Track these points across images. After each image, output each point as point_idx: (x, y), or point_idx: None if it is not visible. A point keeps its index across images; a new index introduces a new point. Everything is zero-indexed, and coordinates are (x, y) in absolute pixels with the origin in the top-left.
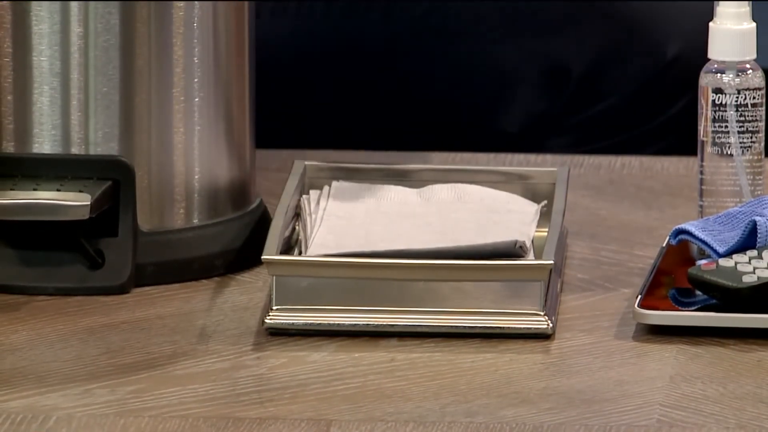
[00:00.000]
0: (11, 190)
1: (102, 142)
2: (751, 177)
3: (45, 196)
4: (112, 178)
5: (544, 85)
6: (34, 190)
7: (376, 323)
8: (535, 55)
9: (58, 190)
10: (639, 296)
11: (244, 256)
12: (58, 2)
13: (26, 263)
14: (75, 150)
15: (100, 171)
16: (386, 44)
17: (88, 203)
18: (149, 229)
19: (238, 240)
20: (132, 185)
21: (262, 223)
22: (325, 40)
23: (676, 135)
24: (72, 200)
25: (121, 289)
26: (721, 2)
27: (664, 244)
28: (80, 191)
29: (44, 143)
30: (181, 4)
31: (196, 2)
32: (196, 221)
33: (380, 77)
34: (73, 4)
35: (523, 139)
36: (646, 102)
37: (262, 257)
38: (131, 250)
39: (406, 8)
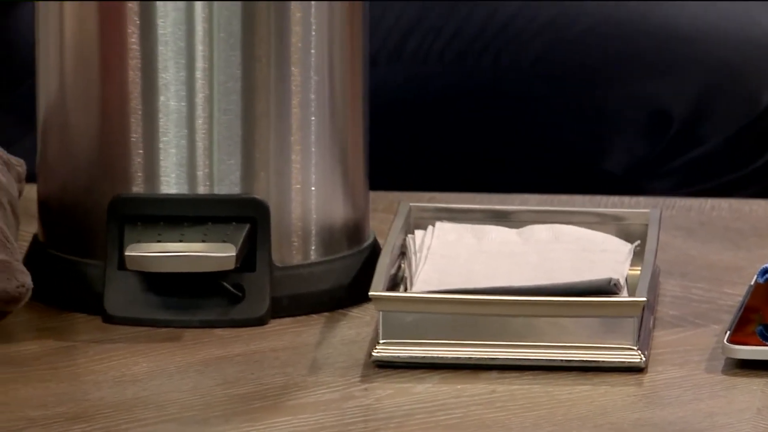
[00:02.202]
0: (158, 241)
1: (225, 184)
2: None
3: (193, 249)
4: (250, 216)
5: (647, 128)
6: (180, 241)
7: (477, 356)
8: (639, 100)
9: (203, 241)
10: (728, 332)
11: (366, 289)
12: (183, 47)
13: (172, 299)
14: (201, 190)
15: (239, 209)
16: (495, 88)
17: (234, 254)
18: (280, 264)
19: (360, 274)
20: (268, 223)
21: (376, 259)
22: (437, 84)
23: None
24: (218, 252)
25: (261, 321)
26: None
27: (752, 283)
28: (224, 241)
29: (171, 184)
30: (298, 53)
31: (312, 50)
32: (313, 257)
33: (488, 120)
34: (198, 52)
35: (625, 183)
36: (742, 146)
37: (370, 293)
38: (268, 283)
39: (516, 54)
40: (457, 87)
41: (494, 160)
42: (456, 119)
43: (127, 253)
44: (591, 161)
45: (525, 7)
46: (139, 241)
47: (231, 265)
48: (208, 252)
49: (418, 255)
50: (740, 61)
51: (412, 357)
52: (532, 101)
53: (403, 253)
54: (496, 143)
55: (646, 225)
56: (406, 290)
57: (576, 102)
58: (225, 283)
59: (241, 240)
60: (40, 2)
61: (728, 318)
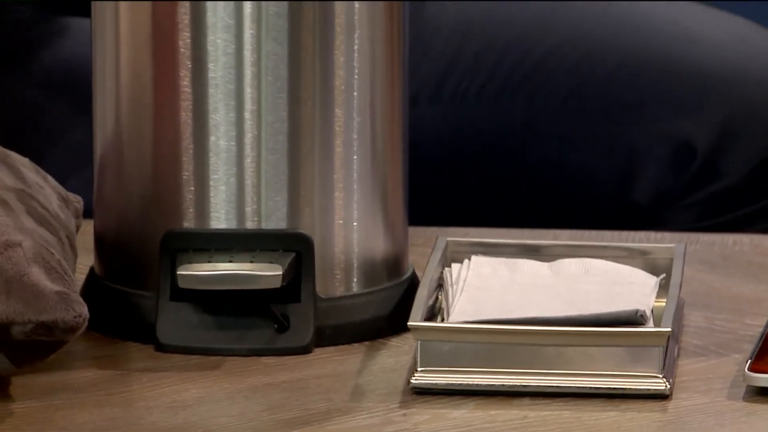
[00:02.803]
0: (209, 262)
1: (272, 219)
2: None
3: (241, 268)
4: (295, 250)
5: (672, 162)
6: (230, 261)
7: (510, 383)
8: (664, 135)
9: (251, 262)
10: (749, 361)
11: (405, 319)
12: (233, 90)
13: (221, 328)
14: (249, 225)
15: (285, 243)
16: (528, 124)
17: (281, 273)
18: (323, 296)
19: (399, 305)
20: (312, 256)
21: (414, 291)
22: (474, 122)
23: None
24: (266, 270)
25: (305, 350)
26: None
27: None
28: (271, 262)
29: (221, 220)
30: (342, 96)
31: (355, 93)
32: (355, 289)
33: (521, 156)
34: (247, 94)
35: (650, 213)
36: (762, 179)
37: (408, 323)
38: (312, 314)
39: (548, 92)
40: (493, 124)
41: (528, 191)
42: (491, 155)
43: (179, 272)
44: (619, 193)
45: (555, 49)
46: (190, 263)
47: (278, 283)
48: (256, 271)
49: (454, 287)
50: (760, 99)
51: (448, 384)
52: (563, 136)
53: (440, 285)
54: (529, 176)
55: (671, 259)
56: (443, 320)
57: (604, 136)
58: (273, 308)
59: (287, 262)
60: (97, 46)
61: (749, 347)
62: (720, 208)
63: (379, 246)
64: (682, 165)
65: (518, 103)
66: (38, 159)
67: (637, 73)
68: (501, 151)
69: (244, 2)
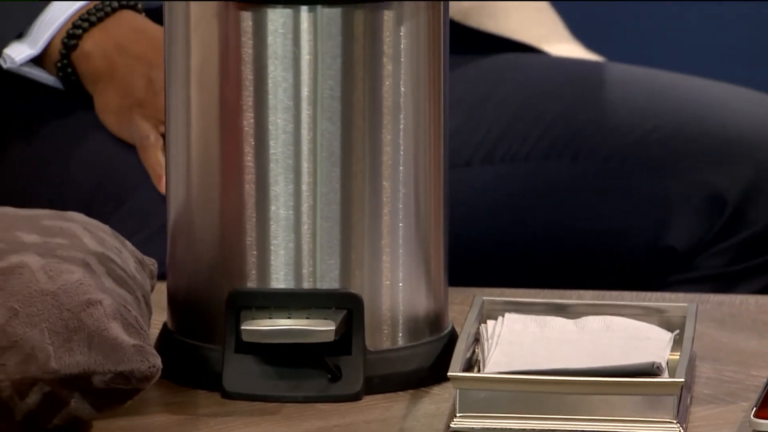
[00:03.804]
0: (270, 318)
1: (326, 280)
2: None
3: (298, 324)
4: (347, 308)
5: (704, 212)
6: (288, 318)
7: (540, 428)
8: (697, 187)
9: (307, 318)
10: (754, 408)
11: (445, 370)
12: (292, 164)
13: (281, 377)
14: (305, 285)
15: (338, 302)
16: (572, 183)
17: (334, 328)
18: (372, 349)
19: (440, 357)
20: (362, 313)
21: (454, 345)
22: (523, 182)
23: None
24: (320, 326)
25: (356, 397)
26: None
27: None
28: (325, 318)
29: (280, 280)
30: (389, 170)
31: (401, 167)
32: (400, 343)
33: (565, 209)
34: (304, 168)
35: (684, 260)
36: None
37: (448, 374)
38: (362, 365)
39: (591, 152)
40: (540, 182)
41: (571, 238)
42: (537, 209)
43: (243, 327)
44: (656, 240)
45: (598, 114)
46: (253, 319)
47: (331, 338)
48: (311, 326)
49: (489, 341)
50: None
51: (484, 428)
52: (605, 191)
53: (477, 339)
54: (573, 226)
55: (684, 317)
56: (479, 371)
57: (642, 190)
58: (327, 360)
59: (339, 319)
60: (170, 124)
61: (755, 396)
62: (748, 254)
63: (422, 304)
64: (713, 215)
65: (563, 163)
66: (102, 221)
67: (672, 135)
68: (547, 204)
69: (302, 86)
